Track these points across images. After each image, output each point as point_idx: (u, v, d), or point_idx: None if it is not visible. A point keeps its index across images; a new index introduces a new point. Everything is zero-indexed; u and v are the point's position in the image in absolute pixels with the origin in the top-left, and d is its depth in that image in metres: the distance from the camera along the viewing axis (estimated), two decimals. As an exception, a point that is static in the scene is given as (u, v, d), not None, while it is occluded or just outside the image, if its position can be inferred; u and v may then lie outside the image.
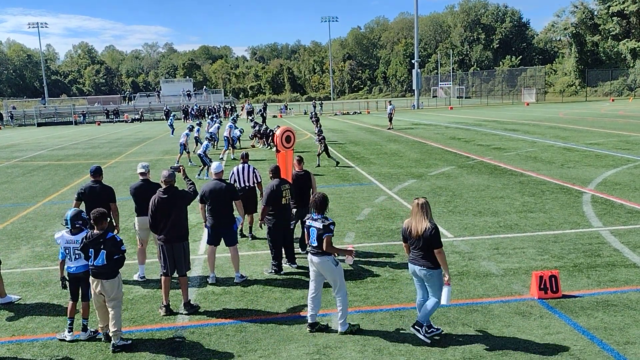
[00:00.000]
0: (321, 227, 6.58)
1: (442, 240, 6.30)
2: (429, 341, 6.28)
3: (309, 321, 6.79)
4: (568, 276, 8.21)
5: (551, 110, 53.21)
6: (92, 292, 6.62)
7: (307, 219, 6.83)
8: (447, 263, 6.34)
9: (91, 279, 6.57)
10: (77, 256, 6.66)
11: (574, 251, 9.38)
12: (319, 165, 20.50)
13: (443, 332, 6.51)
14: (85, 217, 6.87)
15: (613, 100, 72.16)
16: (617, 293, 7.54)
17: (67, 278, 6.81)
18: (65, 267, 6.84)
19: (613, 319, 6.74)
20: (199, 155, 18.91)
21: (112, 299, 6.48)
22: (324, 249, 6.56)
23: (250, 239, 10.98)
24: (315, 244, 6.64)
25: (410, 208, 6.54)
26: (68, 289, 6.81)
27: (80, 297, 6.78)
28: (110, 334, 6.50)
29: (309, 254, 6.80)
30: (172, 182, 7.55)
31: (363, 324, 6.86)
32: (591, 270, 8.47)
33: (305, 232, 6.85)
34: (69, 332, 6.76)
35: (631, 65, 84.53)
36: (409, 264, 6.50)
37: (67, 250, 6.70)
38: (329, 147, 21.82)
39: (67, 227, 6.74)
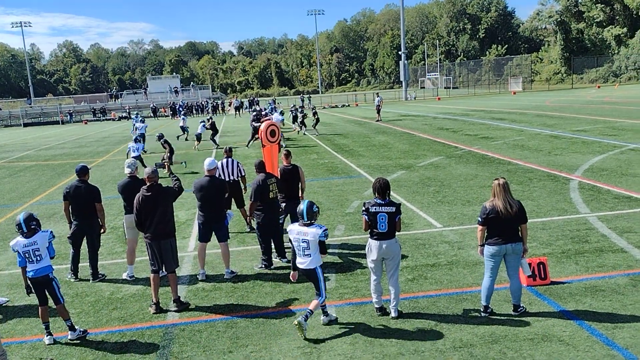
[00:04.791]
0: (394, 210, 6.60)
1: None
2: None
3: (377, 306, 6.84)
4: (556, 263, 8.27)
5: (538, 99, 53.49)
6: None
7: (369, 206, 6.60)
8: None
9: None
10: (38, 258, 6.55)
11: (562, 238, 9.44)
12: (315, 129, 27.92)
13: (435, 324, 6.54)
14: (37, 218, 6.81)
15: (599, 87, 72.64)
16: (605, 278, 7.60)
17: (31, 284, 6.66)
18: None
19: (601, 304, 6.79)
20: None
21: None
22: (398, 230, 6.68)
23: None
24: (386, 229, 6.56)
25: (493, 188, 6.71)
26: (35, 294, 6.69)
27: (53, 301, 6.65)
28: None
29: (374, 241, 6.62)
30: (155, 179, 7.48)
31: (354, 316, 6.88)
32: (579, 256, 8.53)
33: (367, 221, 6.62)
34: (47, 336, 6.70)
35: (616, 51, 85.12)
36: (496, 246, 6.49)
37: (26, 254, 6.52)
38: (304, 124, 28.24)
39: (23, 231, 6.59)
